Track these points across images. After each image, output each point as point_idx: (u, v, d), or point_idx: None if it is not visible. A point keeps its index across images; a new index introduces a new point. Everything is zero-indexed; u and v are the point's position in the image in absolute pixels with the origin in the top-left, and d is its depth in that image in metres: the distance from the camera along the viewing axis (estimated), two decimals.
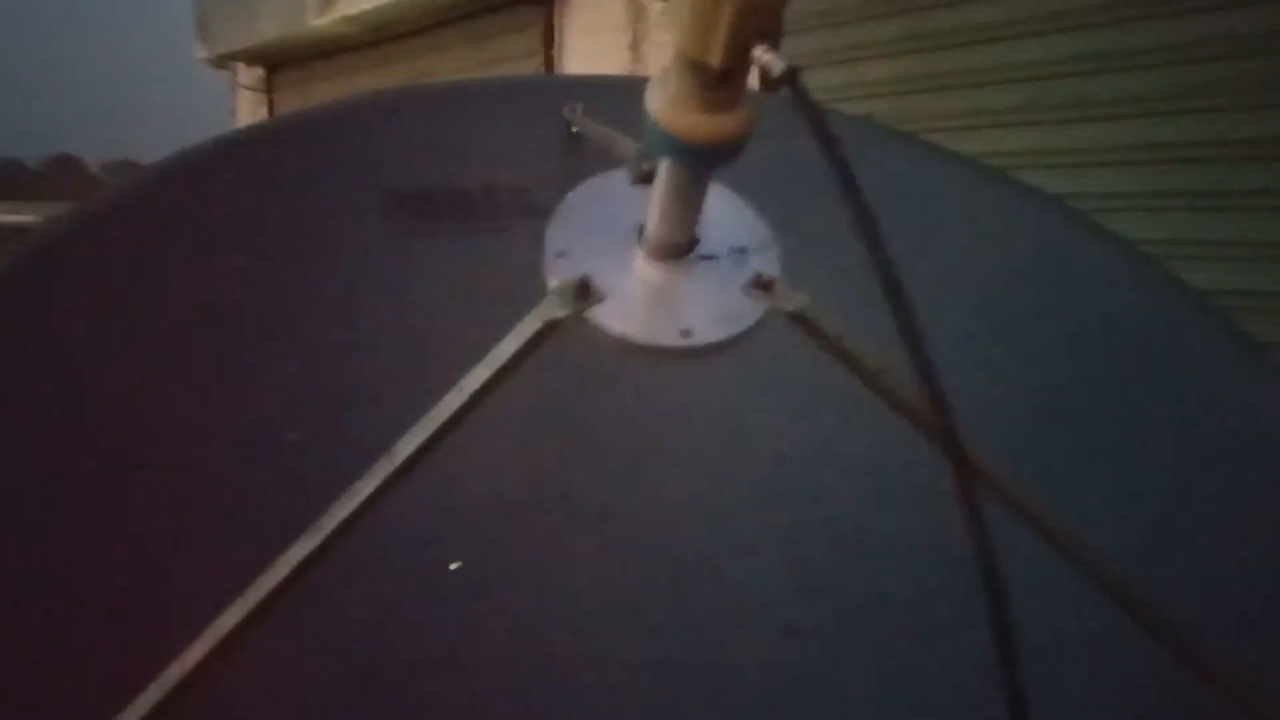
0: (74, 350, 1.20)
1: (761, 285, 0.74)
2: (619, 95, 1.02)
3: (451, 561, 1.26)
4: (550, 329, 0.70)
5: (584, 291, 0.71)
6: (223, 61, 7.22)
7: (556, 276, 0.72)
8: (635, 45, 3.59)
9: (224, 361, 1.26)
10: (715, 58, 0.56)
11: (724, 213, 0.77)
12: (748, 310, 0.73)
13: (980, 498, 0.56)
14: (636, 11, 3.60)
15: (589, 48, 3.64)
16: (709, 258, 0.75)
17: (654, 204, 0.71)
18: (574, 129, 1.44)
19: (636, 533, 1.31)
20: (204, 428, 1.21)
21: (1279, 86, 2.12)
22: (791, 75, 0.55)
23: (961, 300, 1.29)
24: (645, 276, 0.73)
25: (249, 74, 7.31)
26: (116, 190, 1.26)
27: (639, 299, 0.72)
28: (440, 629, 1.22)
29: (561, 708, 1.19)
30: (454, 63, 4.67)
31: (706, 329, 0.72)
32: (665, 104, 0.61)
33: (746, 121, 0.62)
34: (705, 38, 0.56)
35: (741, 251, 0.76)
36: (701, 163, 0.65)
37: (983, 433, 1.07)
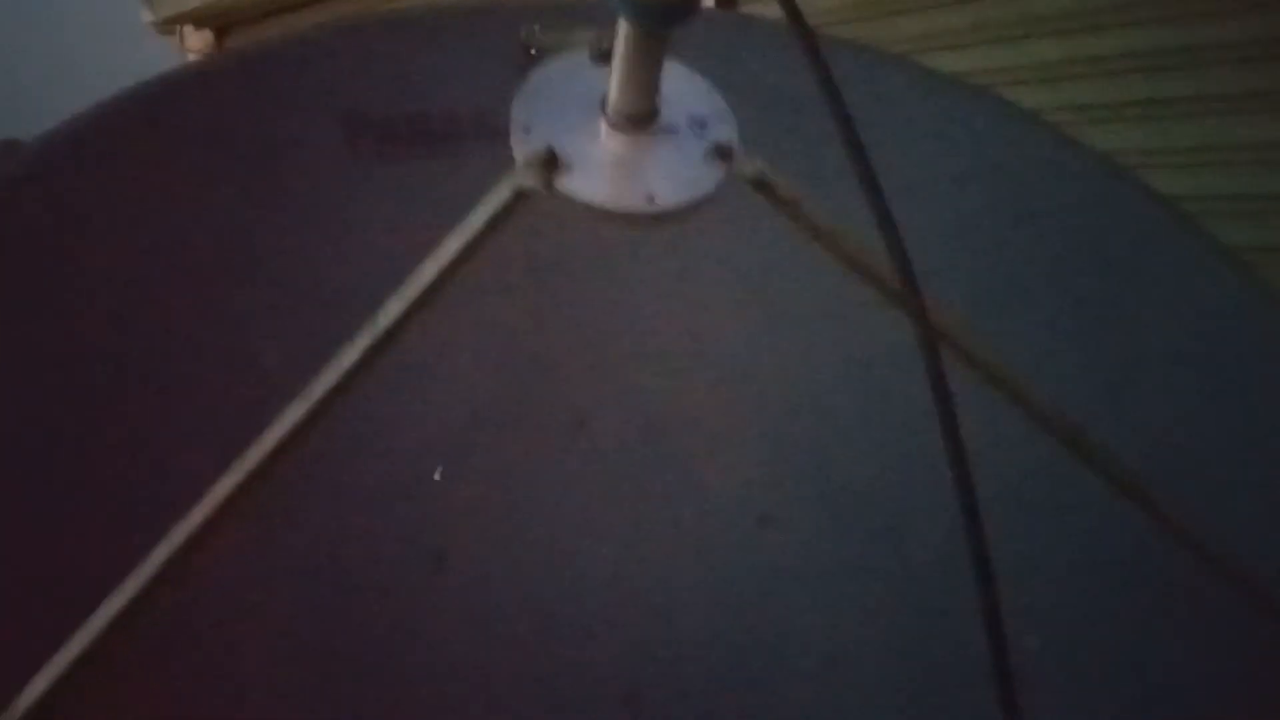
0: (34, 285, 1.21)
1: (721, 153, 0.78)
2: (581, 16, 1.04)
3: (434, 470, 1.29)
4: (519, 198, 0.73)
5: (550, 161, 0.74)
6: (169, 25, 7.06)
7: (523, 149, 0.74)
8: None
9: (184, 292, 1.27)
10: None
11: (684, 87, 0.80)
12: (708, 176, 0.77)
13: (940, 358, 0.60)
14: None
15: None
16: (670, 129, 0.78)
17: (614, 73, 0.74)
18: (532, 51, 1.45)
19: (613, 437, 1.35)
20: (173, 352, 1.23)
21: None
22: None
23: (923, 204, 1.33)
24: (609, 147, 0.76)
25: (198, 37, 7.16)
26: (61, 130, 1.26)
27: (604, 168, 0.76)
28: (427, 532, 1.26)
29: (546, 600, 1.24)
30: None
31: (669, 194, 0.75)
32: None
33: None
34: None
35: (701, 122, 0.79)
36: (658, 21, 0.68)
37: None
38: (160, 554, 0.70)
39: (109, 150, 1.33)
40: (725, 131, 0.79)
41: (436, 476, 1.29)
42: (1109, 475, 0.85)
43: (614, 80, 0.74)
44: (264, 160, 1.39)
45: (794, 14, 0.57)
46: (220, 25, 6.86)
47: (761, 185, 0.77)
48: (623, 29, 0.70)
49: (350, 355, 0.72)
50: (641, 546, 1.27)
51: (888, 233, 0.56)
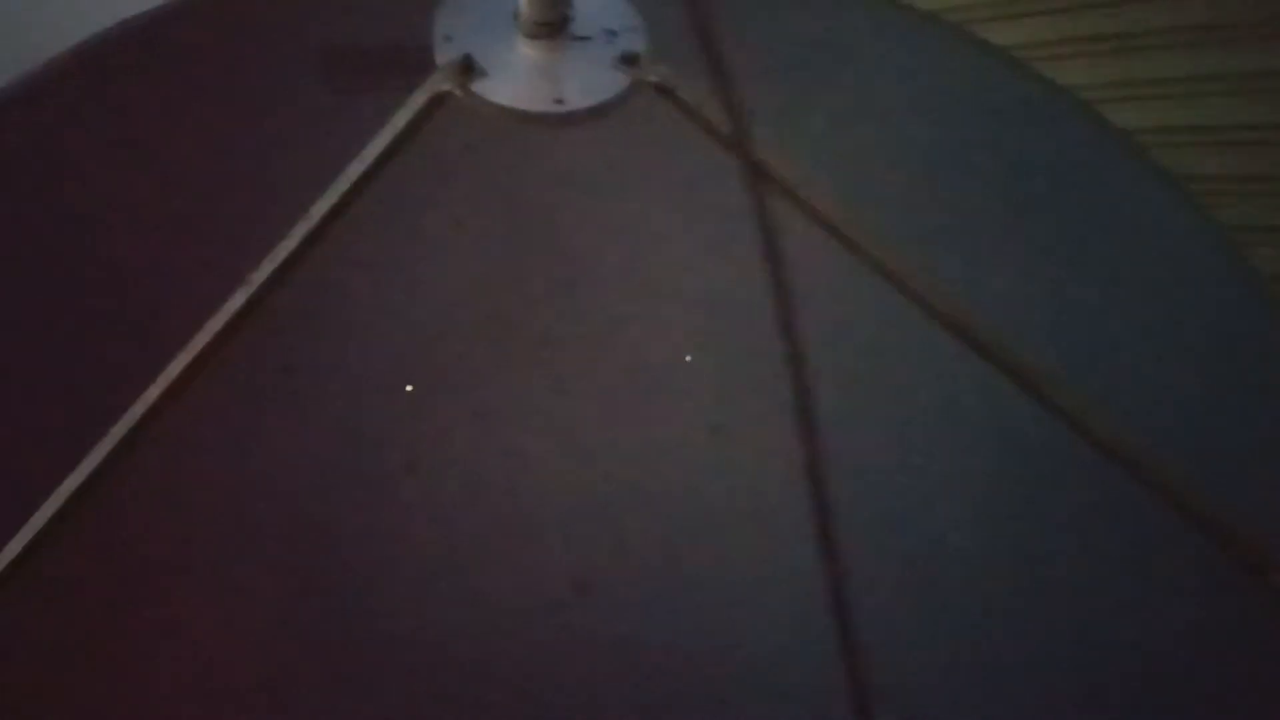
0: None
1: (628, 60, 0.84)
2: None
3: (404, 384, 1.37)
4: (437, 101, 0.80)
5: (467, 67, 0.81)
6: None
7: (442, 56, 0.81)
8: None
9: (164, 211, 1.33)
10: None
11: (601, 1, 0.87)
12: (615, 82, 0.83)
13: (769, 211, 0.66)
14: None
15: None
16: (582, 38, 0.85)
17: None
18: None
19: (572, 351, 1.42)
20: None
21: None
22: None
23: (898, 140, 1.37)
24: (523, 54, 0.83)
25: None
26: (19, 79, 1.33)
27: (517, 73, 0.82)
28: (398, 443, 1.35)
29: (509, 501, 1.33)
30: None
31: (577, 97, 0.82)
32: None
33: None
34: None
35: (612, 33, 0.85)
36: None
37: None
38: (120, 428, 0.78)
39: (90, 84, 1.40)
40: (634, 41, 0.85)
41: (408, 389, 1.37)
42: (1000, 366, 0.91)
43: None
44: (241, 92, 1.46)
45: None
46: None
47: (664, 91, 0.83)
48: None
49: (286, 247, 0.80)
50: (601, 452, 1.35)
51: (718, 80, 0.62)
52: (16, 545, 0.83)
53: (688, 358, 1.47)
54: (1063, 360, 1.19)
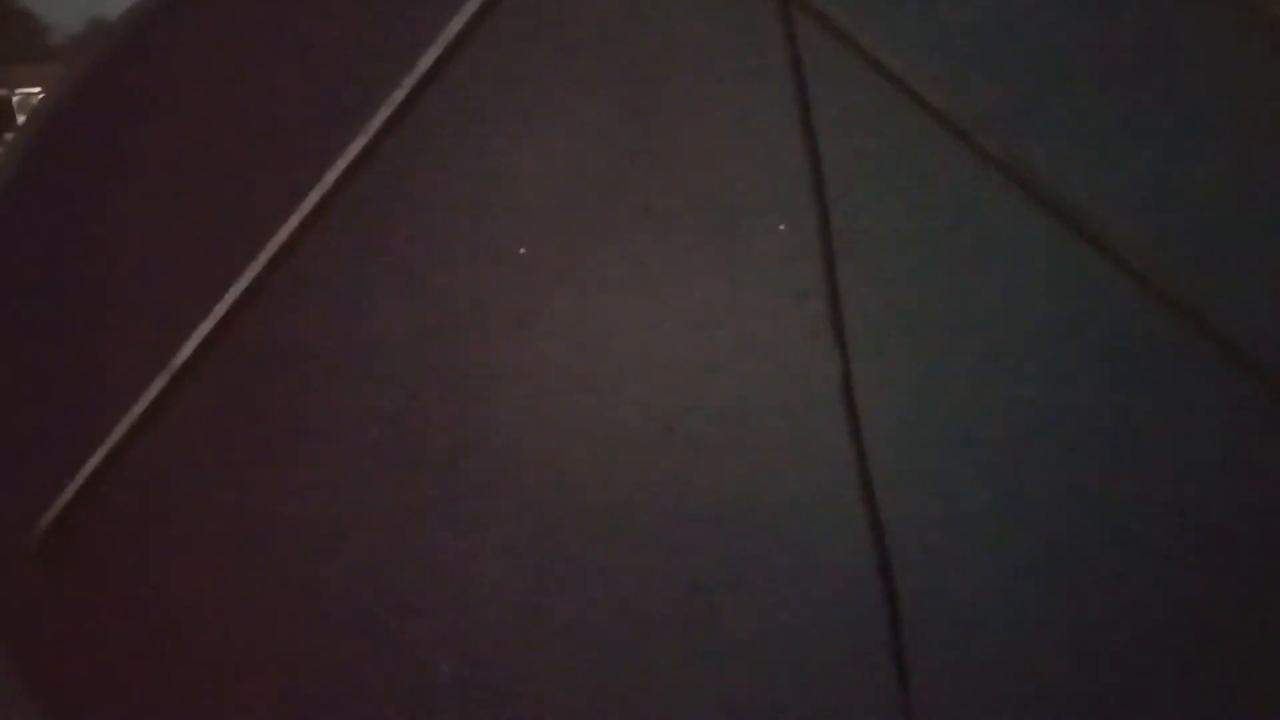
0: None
1: None
2: None
3: (519, 247, 1.49)
4: None
5: None
6: None
7: None
8: None
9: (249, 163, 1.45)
10: None
11: None
12: None
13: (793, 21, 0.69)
14: None
15: None
16: None
17: None
18: None
19: (674, 222, 1.51)
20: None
21: None
22: None
23: None
24: None
25: None
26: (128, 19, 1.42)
27: None
28: (512, 296, 1.48)
29: (606, 354, 1.44)
30: None
31: None
32: None
33: None
34: None
35: None
36: None
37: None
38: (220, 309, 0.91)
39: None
40: None
41: (521, 251, 1.49)
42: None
43: None
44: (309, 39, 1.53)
45: None
46: None
47: None
48: None
49: (383, 114, 0.90)
50: (689, 313, 1.45)
51: None
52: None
53: (781, 227, 1.53)
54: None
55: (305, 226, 0.97)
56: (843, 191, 1.30)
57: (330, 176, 0.94)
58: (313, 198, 0.94)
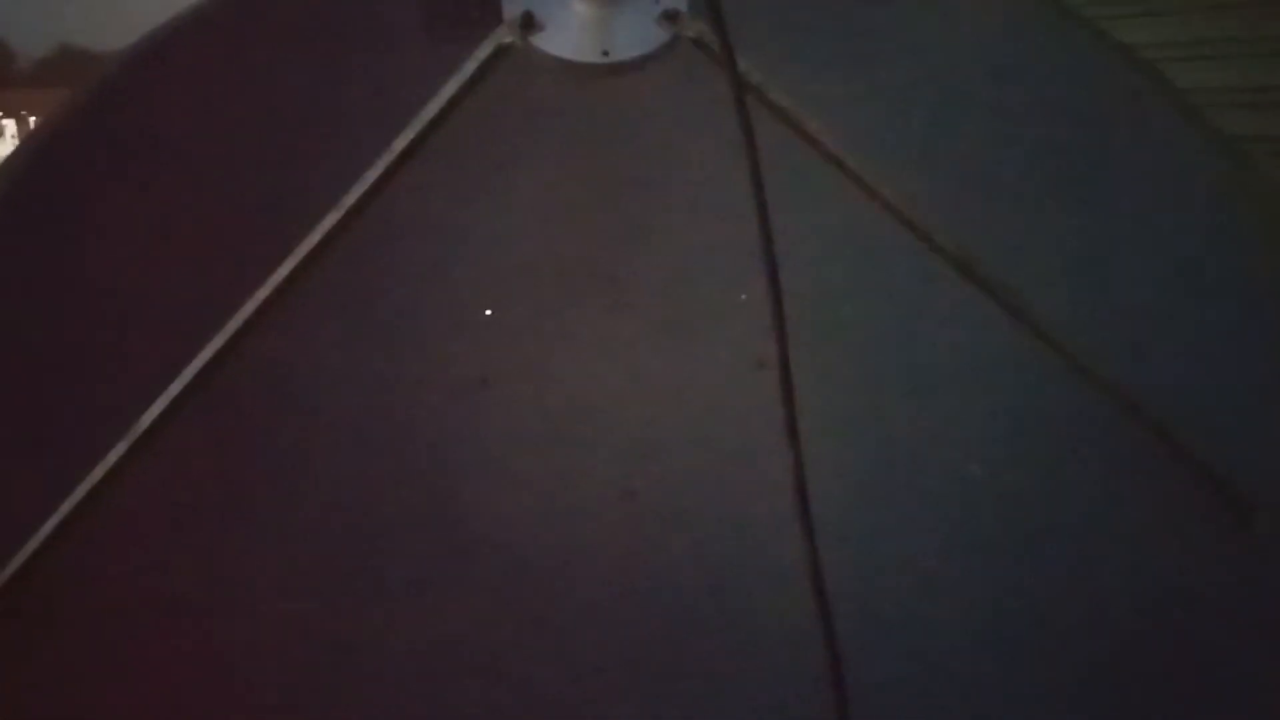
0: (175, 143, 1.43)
1: (669, 16, 0.95)
2: None
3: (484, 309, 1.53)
4: (501, 51, 0.93)
5: (528, 21, 0.93)
6: None
7: (508, 10, 0.94)
8: None
9: (279, 143, 1.48)
10: None
11: None
12: (656, 36, 0.94)
13: (748, 112, 0.74)
14: None
15: None
16: None
17: None
18: None
19: (639, 291, 1.55)
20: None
21: None
22: None
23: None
24: (577, 11, 0.95)
25: None
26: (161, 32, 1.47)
27: (571, 28, 0.94)
28: (474, 359, 1.50)
29: (567, 415, 1.47)
30: None
31: (621, 49, 0.93)
32: None
33: None
34: None
35: None
36: None
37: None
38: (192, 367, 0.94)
39: (214, 32, 1.56)
40: (676, 0, 0.96)
41: (487, 313, 1.53)
42: (996, 298, 0.99)
43: None
44: (350, 37, 1.61)
45: None
46: None
47: (700, 45, 0.94)
48: None
49: (372, 174, 0.94)
50: (650, 379, 1.48)
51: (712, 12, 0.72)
52: (79, 494, 0.99)
53: (742, 298, 1.58)
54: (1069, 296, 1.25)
55: (279, 292, 0.99)
56: (797, 270, 1.35)
57: (304, 247, 0.97)
58: (286, 266, 0.97)
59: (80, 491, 1.00)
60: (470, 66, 0.92)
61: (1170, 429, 1.08)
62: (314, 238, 0.95)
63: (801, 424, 1.47)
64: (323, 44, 1.55)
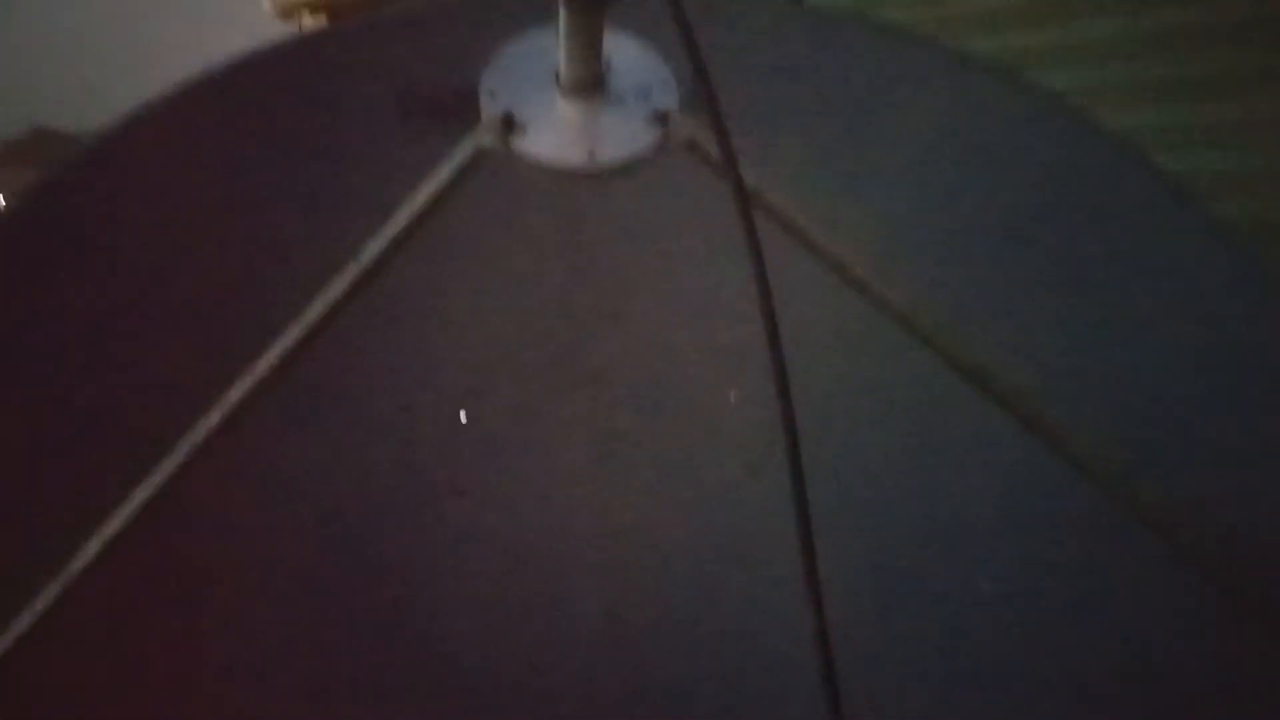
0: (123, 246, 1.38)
1: (660, 118, 0.89)
2: None
3: (459, 411, 1.44)
4: (480, 155, 0.86)
5: (508, 123, 0.86)
6: (287, 12, 7.49)
7: (487, 112, 0.87)
8: None
9: (252, 233, 1.43)
10: None
11: (635, 60, 0.92)
12: (646, 137, 0.88)
13: (753, 224, 0.68)
14: None
15: None
16: (617, 96, 0.89)
17: (560, 46, 0.86)
18: None
19: (621, 388, 1.47)
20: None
21: None
22: None
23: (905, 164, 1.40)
24: (560, 111, 0.88)
25: (314, 21, 7.59)
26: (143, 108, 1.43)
27: (555, 130, 0.88)
28: (447, 467, 1.41)
29: (545, 529, 1.38)
30: None
31: (609, 152, 0.87)
32: None
33: None
34: None
35: (646, 91, 0.90)
36: (581, 3, 0.80)
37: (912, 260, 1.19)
38: (169, 464, 0.86)
39: (188, 118, 1.51)
40: (666, 99, 0.89)
41: (462, 418, 1.44)
42: (1011, 409, 0.93)
43: (560, 52, 0.86)
44: (328, 129, 1.55)
45: None
46: (332, 10, 7.25)
47: (694, 148, 0.88)
48: (562, 8, 0.81)
49: (338, 287, 0.86)
50: (634, 482, 1.40)
51: (711, 108, 0.66)
52: (93, 547, 0.91)
53: (731, 397, 1.50)
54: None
55: (253, 394, 0.91)
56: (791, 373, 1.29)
57: (275, 351, 0.89)
58: (262, 365, 0.88)
59: (51, 592, 0.90)
60: (447, 172, 0.85)
61: (1183, 535, 1.01)
62: (286, 340, 0.87)
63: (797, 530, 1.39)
64: (297, 134, 1.49)
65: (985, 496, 1.27)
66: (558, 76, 0.88)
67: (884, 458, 1.26)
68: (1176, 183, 1.40)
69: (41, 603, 0.93)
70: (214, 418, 0.89)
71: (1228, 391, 1.34)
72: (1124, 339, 1.34)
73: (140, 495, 0.93)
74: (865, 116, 1.44)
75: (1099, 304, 1.39)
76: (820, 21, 1.98)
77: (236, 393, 0.88)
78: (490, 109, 0.87)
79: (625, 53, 0.89)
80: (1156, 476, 1.15)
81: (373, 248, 0.86)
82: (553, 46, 0.92)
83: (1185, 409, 1.32)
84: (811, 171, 1.27)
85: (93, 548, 0.90)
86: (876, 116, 1.41)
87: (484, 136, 0.85)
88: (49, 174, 1.41)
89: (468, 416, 1.47)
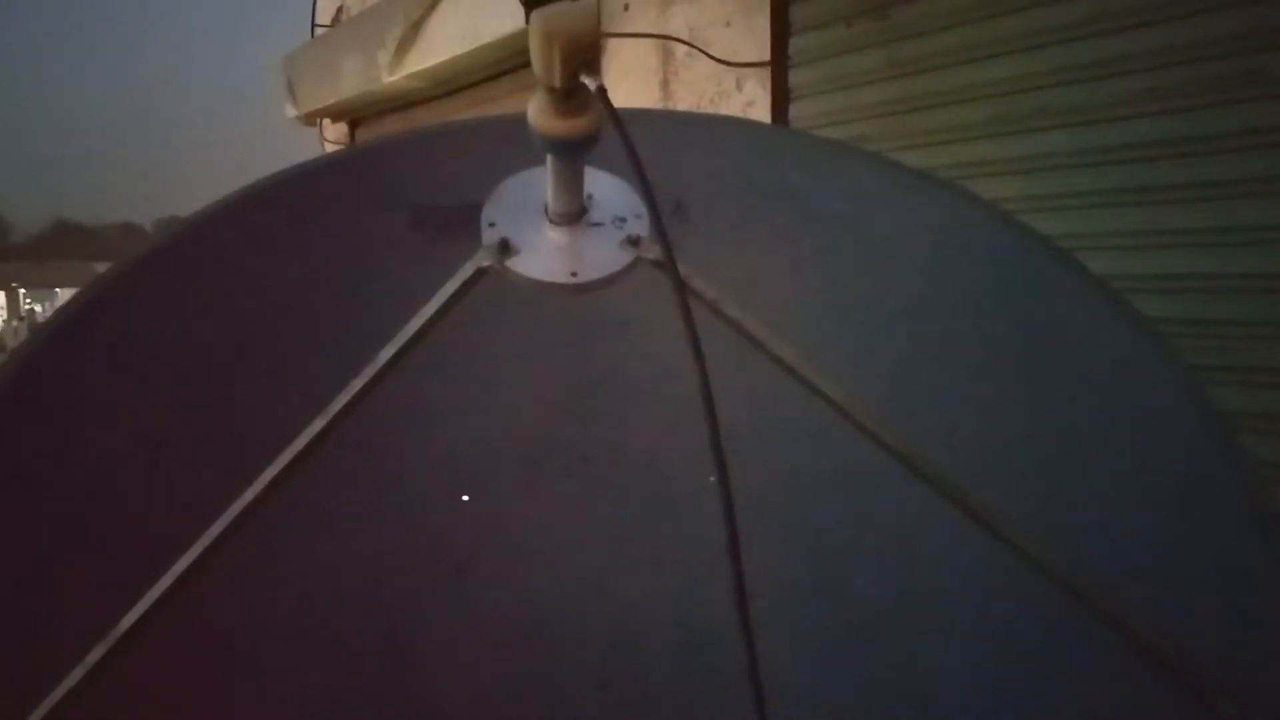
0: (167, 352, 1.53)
1: (632, 242, 1.05)
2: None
3: (461, 494, 1.58)
4: (480, 274, 1.02)
5: (505, 247, 1.03)
6: (310, 118, 7.87)
7: (486, 238, 1.04)
8: (665, 84, 3.94)
9: (286, 332, 1.58)
10: (556, 81, 0.88)
11: (613, 194, 1.09)
12: (620, 259, 1.04)
13: (694, 325, 0.83)
14: (666, 56, 3.95)
15: (626, 88, 4.01)
16: (597, 224, 1.06)
17: (548, 185, 1.03)
18: None
19: (610, 473, 1.61)
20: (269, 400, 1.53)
21: (1228, 88, 2.33)
22: (602, 91, 0.87)
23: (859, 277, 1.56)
24: (549, 237, 1.05)
25: (334, 129, 7.96)
26: (164, 237, 1.59)
27: (543, 253, 1.04)
28: (452, 546, 1.54)
29: (543, 604, 1.50)
30: (506, 107, 5.13)
31: (589, 271, 1.03)
32: (534, 114, 0.93)
33: (591, 123, 0.93)
34: (548, 70, 0.88)
35: (621, 220, 1.07)
36: (564, 152, 0.97)
37: (856, 363, 1.34)
38: (186, 559, 0.99)
39: (226, 231, 1.69)
40: (638, 227, 1.06)
41: (465, 499, 1.58)
42: (935, 487, 1.06)
43: (548, 189, 1.03)
44: (347, 242, 1.73)
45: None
46: (352, 120, 7.64)
47: (660, 266, 1.04)
48: (548, 158, 0.99)
49: (354, 386, 1.01)
50: (625, 564, 1.52)
51: (656, 224, 0.82)
52: (58, 695, 1.02)
53: (711, 479, 1.64)
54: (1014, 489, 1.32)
55: (258, 499, 1.04)
56: (749, 457, 1.42)
57: (286, 455, 1.03)
58: (268, 473, 1.02)
59: (59, 693, 1.02)
60: (451, 287, 1.01)
61: (1127, 619, 1.12)
62: (298, 444, 1.01)
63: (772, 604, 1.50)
64: (308, 255, 1.66)
65: (931, 581, 1.38)
66: (546, 209, 1.05)
67: (853, 538, 1.38)
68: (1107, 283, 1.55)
69: (88, 662, 1.04)
70: (247, 495, 1.03)
71: (1165, 477, 1.46)
72: (1055, 428, 1.46)
73: (154, 592, 1.05)
74: (829, 233, 1.61)
75: (1028, 394, 1.51)
76: (791, 141, 2.20)
77: (267, 476, 1.02)
78: (489, 236, 1.04)
79: (604, 187, 1.07)
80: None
81: (387, 350, 1.02)
82: (543, 183, 1.10)
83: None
84: (774, 279, 1.43)
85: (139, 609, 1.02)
86: (840, 234, 1.58)
87: (484, 259, 1.02)
88: (63, 312, 1.55)
89: (470, 499, 1.61)
